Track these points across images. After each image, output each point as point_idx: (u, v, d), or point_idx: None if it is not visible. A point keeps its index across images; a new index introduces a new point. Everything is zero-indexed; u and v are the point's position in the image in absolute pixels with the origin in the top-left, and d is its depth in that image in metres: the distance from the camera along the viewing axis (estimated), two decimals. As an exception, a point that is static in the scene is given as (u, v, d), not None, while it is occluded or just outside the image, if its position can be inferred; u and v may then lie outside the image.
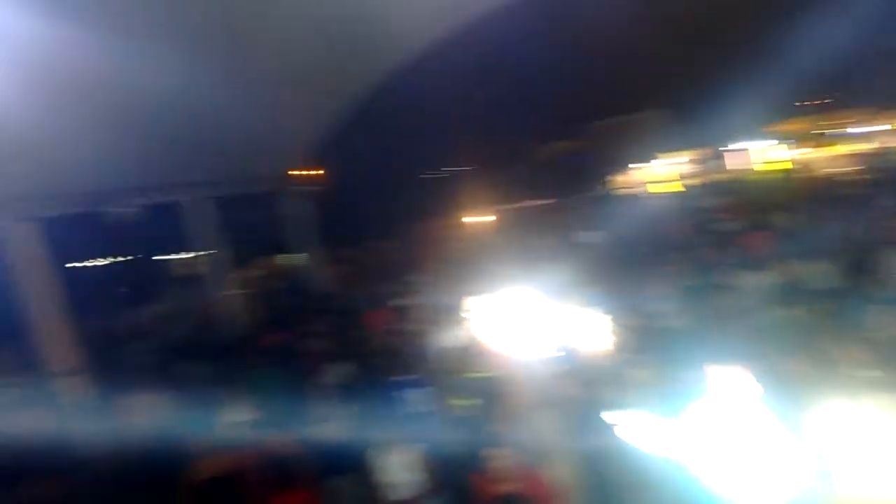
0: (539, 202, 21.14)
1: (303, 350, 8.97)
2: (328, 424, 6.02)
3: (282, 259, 16.42)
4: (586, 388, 5.49)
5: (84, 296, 11.71)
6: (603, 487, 4.69)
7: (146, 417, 7.61)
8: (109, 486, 6.10)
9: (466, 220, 19.39)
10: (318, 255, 14.75)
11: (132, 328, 12.29)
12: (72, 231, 10.35)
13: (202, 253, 12.51)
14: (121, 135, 8.41)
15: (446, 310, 8.36)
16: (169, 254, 15.25)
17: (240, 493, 5.65)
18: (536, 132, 22.91)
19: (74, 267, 12.85)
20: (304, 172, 13.86)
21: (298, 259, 15.16)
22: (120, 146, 8.64)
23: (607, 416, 4.99)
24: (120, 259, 14.59)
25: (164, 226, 12.24)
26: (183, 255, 14.97)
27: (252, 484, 5.45)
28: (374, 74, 11.99)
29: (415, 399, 6.06)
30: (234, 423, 6.44)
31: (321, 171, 14.01)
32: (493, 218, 19.34)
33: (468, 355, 6.91)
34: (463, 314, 7.67)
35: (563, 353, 6.18)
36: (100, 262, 14.29)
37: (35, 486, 5.81)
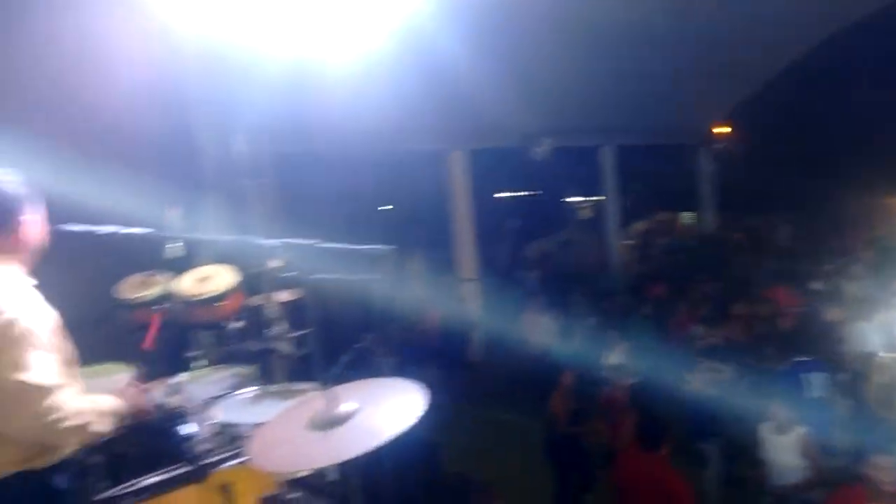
0: None
1: (685, 309, 8.75)
2: (704, 387, 5.82)
3: (683, 216, 16.01)
4: None
5: (494, 223, 13.35)
6: None
7: (537, 335, 8.53)
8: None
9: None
10: (720, 218, 13.99)
11: (532, 257, 13.55)
12: (492, 164, 11.70)
13: (606, 197, 12.97)
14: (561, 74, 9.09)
15: (866, 300, 7.13)
16: (575, 195, 16.17)
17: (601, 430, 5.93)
18: None
19: (491, 197, 14.56)
20: (722, 131, 13.12)
21: (697, 218, 14.66)
22: (550, 88, 9.35)
23: None
24: (530, 194, 16.01)
25: (576, 167, 12.99)
26: (588, 198, 15.73)
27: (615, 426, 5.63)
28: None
29: (813, 382, 5.46)
30: (610, 364, 6.67)
31: (740, 133, 13.05)
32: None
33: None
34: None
35: None
36: (512, 194, 15.93)
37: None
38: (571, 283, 11.03)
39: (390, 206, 12.69)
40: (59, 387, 1.91)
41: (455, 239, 10.74)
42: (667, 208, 16.17)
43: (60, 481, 2.02)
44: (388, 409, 1.80)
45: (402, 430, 1.69)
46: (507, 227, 14.23)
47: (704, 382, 5.96)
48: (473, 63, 7.53)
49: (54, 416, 1.86)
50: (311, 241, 2.38)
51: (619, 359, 7.02)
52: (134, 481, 2.07)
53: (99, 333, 2.52)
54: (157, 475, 2.07)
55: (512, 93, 8.76)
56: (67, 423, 1.89)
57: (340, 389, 1.91)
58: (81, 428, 1.94)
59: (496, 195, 15.22)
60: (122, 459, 2.71)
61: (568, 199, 16.27)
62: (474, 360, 10.28)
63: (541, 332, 8.73)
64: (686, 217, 15.98)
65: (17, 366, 1.87)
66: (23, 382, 1.85)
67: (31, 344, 1.91)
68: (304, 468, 1.58)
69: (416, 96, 7.30)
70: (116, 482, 2.62)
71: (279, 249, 2.31)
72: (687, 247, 14.07)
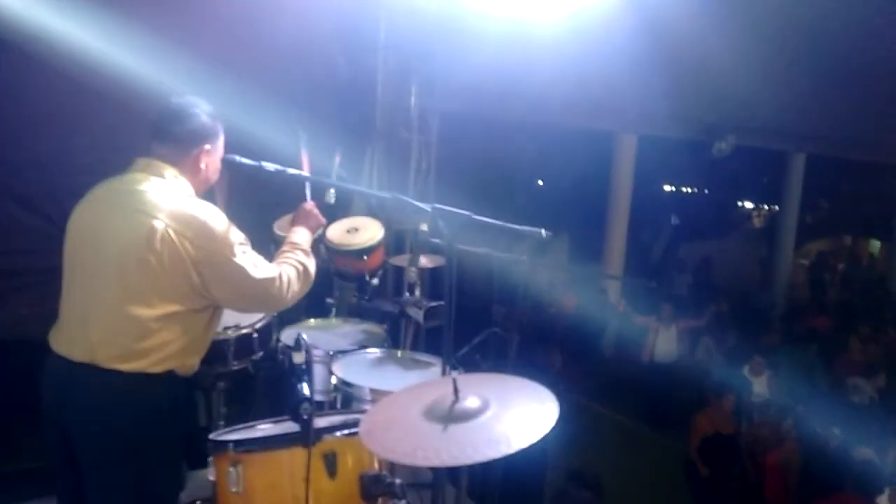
0: None
1: (848, 353, 7.80)
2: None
3: (870, 244, 14.28)
4: None
5: (653, 216, 12.59)
6: None
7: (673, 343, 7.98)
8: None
9: None
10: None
11: (687, 259, 12.65)
12: (662, 154, 10.92)
13: (784, 208, 11.78)
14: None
15: None
16: (749, 200, 14.87)
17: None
18: None
19: (654, 188, 13.70)
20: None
21: (887, 250, 12.97)
22: (747, 80, 8.45)
23: None
24: (698, 191, 14.93)
25: (756, 171, 11.87)
26: (763, 206, 14.41)
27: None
28: None
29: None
30: (755, 393, 6.09)
31: None
32: None
33: None
34: None
35: None
36: (677, 189, 14.93)
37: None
38: (725, 295, 10.19)
39: (540, 182, 12.34)
40: (278, 275, 2.15)
41: (608, 226, 10.23)
42: (853, 232, 14.46)
43: (184, 397, 2.18)
44: (518, 415, 1.62)
45: (530, 443, 1.52)
46: (666, 222, 13.36)
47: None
48: (672, 43, 6.94)
49: (287, 296, 2.17)
50: (464, 212, 2.23)
51: (762, 389, 6.42)
52: (248, 424, 2.09)
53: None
54: (270, 428, 2.09)
55: (702, 79, 8.04)
56: (293, 292, 2.19)
57: (466, 379, 1.77)
58: (304, 282, 2.26)
59: (660, 187, 14.32)
60: (246, 391, 2.81)
61: (739, 204, 15.01)
62: (603, 356, 9.90)
63: (678, 341, 8.14)
64: (873, 246, 14.24)
65: (242, 264, 2.07)
66: (252, 278, 2.07)
67: (239, 241, 2.10)
68: (414, 462, 1.47)
69: (600, 71, 6.87)
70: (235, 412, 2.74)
71: (429, 213, 2.19)
72: (867, 279, 12.55)
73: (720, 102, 9.19)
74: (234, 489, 1.88)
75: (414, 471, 3.18)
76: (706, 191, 14.71)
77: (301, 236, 2.38)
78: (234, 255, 2.06)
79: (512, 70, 5.99)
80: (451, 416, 1.62)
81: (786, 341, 8.49)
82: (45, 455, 2.20)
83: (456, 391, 1.66)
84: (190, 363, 2.14)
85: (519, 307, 7.91)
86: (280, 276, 2.15)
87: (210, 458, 1.98)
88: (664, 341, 8.07)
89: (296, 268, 2.24)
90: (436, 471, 1.95)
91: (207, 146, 2.20)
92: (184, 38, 3.52)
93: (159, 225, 1.97)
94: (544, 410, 1.62)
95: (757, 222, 14.90)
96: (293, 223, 2.47)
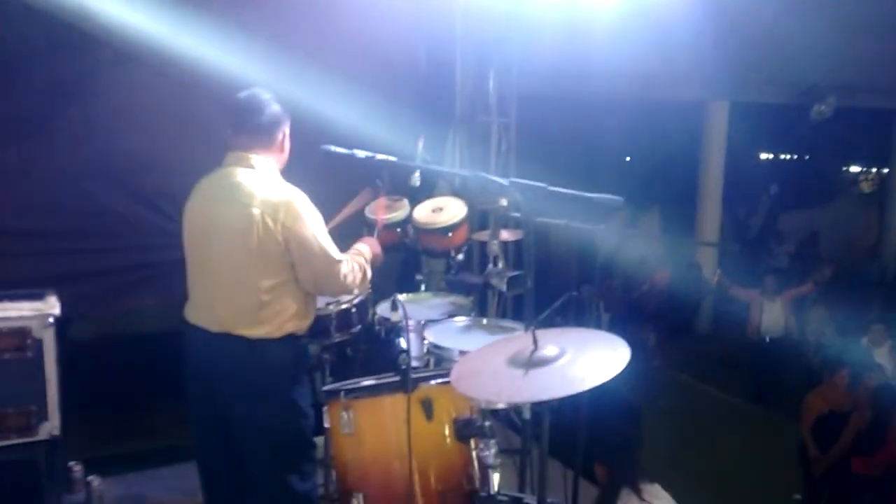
0: None
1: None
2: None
3: None
4: None
5: (750, 186, 12.01)
6: None
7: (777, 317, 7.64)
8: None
9: None
10: None
11: (788, 229, 12.05)
12: (758, 120, 10.44)
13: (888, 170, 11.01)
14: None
15: None
16: (855, 164, 13.94)
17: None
18: None
19: (751, 156, 13.06)
20: None
21: None
22: (845, 37, 7.96)
23: None
24: (797, 158, 14.14)
25: (861, 133, 11.12)
26: (870, 169, 13.49)
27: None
28: None
29: None
30: (869, 360, 5.74)
31: None
32: None
33: None
34: None
35: None
36: (776, 156, 14.19)
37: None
38: (830, 263, 9.63)
39: (628, 158, 12.07)
40: (346, 260, 2.47)
41: (700, 198, 9.94)
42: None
43: (305, 355, 2.56)
44: (591, 359, 1.76)
45: (601, 381, 1.65)
46: (764, 192, 12.71)
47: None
48: (759, 2, 6.67)
49: (349, 282, 2.47)
50: (540, 184, 2.36)
51: (885, 360, 6.04)
52: (353, 381, 2.35)
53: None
54: (373, 379, 2.34)
55: (797, 39, 7.64)
56: (354, 284, 2.51)
57: (545, 333, 1.91)
58: (363, 281, 2.58)
59: (757, 155, 13.66)
60: (347, 361, 3.08)
61: (844, 169, 14.10)
62: (700, 331, 9.65)
63: (784, 314, 7.77)
64: None
65: (320, 242, 2.37)
66: (326, 256, 2.38)
67: (319, 222, 2.40)
68: (498, 399, 1.65)
69: (683, 39, 6.70)
70: (339, 380, 3.00)
71: (508, 188, 2.34)
72: None
73: (816, 62, 8.70)
74: (346, 430, 2.19)
75: (505, 436, 3.37)
76: (807, 157, 13.92)
77: (364, 248, 2.68)
78: (315, 235, 2.36)
79: (587, 48, 5.98)
80: (531, 362, 1.78)
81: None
82: (174, 434, 2.56)
83: (535, 341, 1.82)
84: (304, 325, 2.49)
85: (608, 285, 7.90)
86: (348, 262, 2.47)
87: (324, 408, 2.28)
88: (770, 315, 7.71)
89: (360, 263, 2.56)
90: (523, 433, 2.12)
91: (287, 129, 2.52)
92: (272, 34, 3.80)
93: (256, 212, 2.31)
94: (616, 355, 1.75)
95: (865, 187, 13.98)
96: (362, 241, 2.75)
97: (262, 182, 2.37)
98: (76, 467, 3.32)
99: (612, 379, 1.67)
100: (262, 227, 2.29)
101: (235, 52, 3.55)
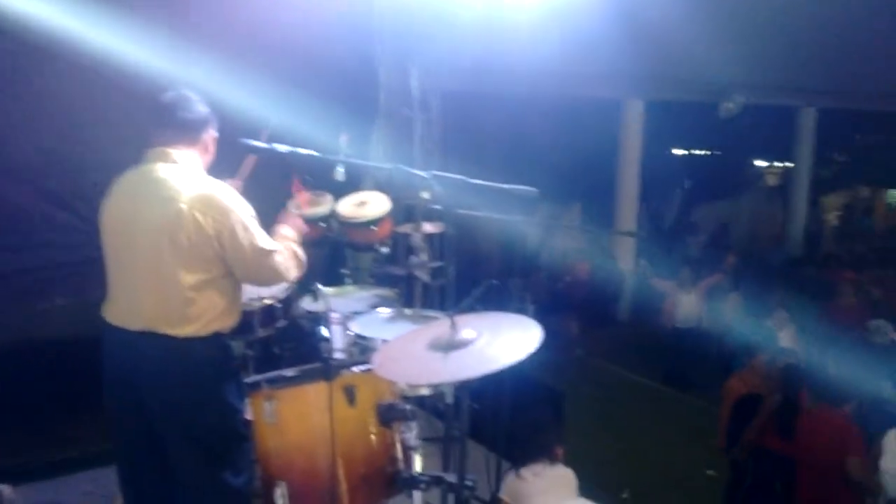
0: None
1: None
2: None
3: (889, 194, 14.16)
4: None
5: (664, 180, 12.56)
6: None
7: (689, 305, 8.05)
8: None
9: None
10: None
11: (700, 221, 12.71)
12: (671, 117, 10.94)
13: (797, 165, 11.76)
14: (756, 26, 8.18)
15: None
16: (761, 159, 14.79)
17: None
18: None
19: (664, 152, 13.66)
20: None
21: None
22: (750, 38, 8.44)
23: None
24: (709, 153, 14.89)
25: (767, 128, 11.82)
26: (775, 163, 14.35)
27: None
28: None
29: None
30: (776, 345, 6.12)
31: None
32: None
33: None
34: None
35: None
36: (688, 152, 14.88)
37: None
38: (741, 255, 10.23)
39: (551, 155, 12.39)
40: (280, 249, 2.44)
41: (618, 192, 10.35)
42: (869, 183, 14.35)
43: (231, 352, 2.47)
44: (506, 340, 1.85)
45: (516, 361, 1.74)
46: (678, 186, 13.35)
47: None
48: (670, 6, 6.97)
49: (285, 270, 2.43)
50: (459, 177, 2.44)
51: (789, 342, 6.44)
52: (275, 373, 2.36)
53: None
54: (295, 370, 2.37)
55: (705, 40, 8.04)
56: (291, 270, 2.48)
57: (463, 318, 1.99)
58: (299, 265, 2.55)
59: (670, 151, 14.29)
60: (273, 358, 3.07)
61: (752, 163, 14.96)
62: (620, 320, 10.03)
63: (699, 304, 8.17)
64: (892, 196, 14.15)
65: (252, 234, 2.34)
66: (259, 248, 2.34)
67: (249, 215, 2.36)
68: (419, 382, 1.72)
69: (601, 39, 6.95)
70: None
71: (429, 181, 2.40)
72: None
73: (725, 62, 9.19)
74: (268, 420, 2.20)
75: (430, 424, 3.44)
76: (718, 152, 14.68)
77: (288, 231, 2.65)
78: (247, 227, 2.33)
79: (509, 47, 6.12)
80: (450, 345, 1.86)
81: (815, 295, 8.42)
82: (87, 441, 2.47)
83: (453, 325, 1.90)
84: (230, 324, 2.44)
85: (533, 276, 8.12)
86: (281, 251, 2.44)
87: (246, 399, 2.28)
88: (686, 306, 8.09)
89: (291, 249, 2.53)
90: (446, 417, 2.19)
91: (214, 133, 2.50)
92: (191, 31, 3.74)
93: (185, 207, 2.26)
94: (529, 336, 1.85)
95: (771, 180, 14.87)
96: (279, 221, 2.70)
97: (186, 177, 2.33)
98: (-16, 477, 3.18)
99: (538, 367, 1.76)
100: (193, 223, 2.25)
101: (153, 48, 3.48)
